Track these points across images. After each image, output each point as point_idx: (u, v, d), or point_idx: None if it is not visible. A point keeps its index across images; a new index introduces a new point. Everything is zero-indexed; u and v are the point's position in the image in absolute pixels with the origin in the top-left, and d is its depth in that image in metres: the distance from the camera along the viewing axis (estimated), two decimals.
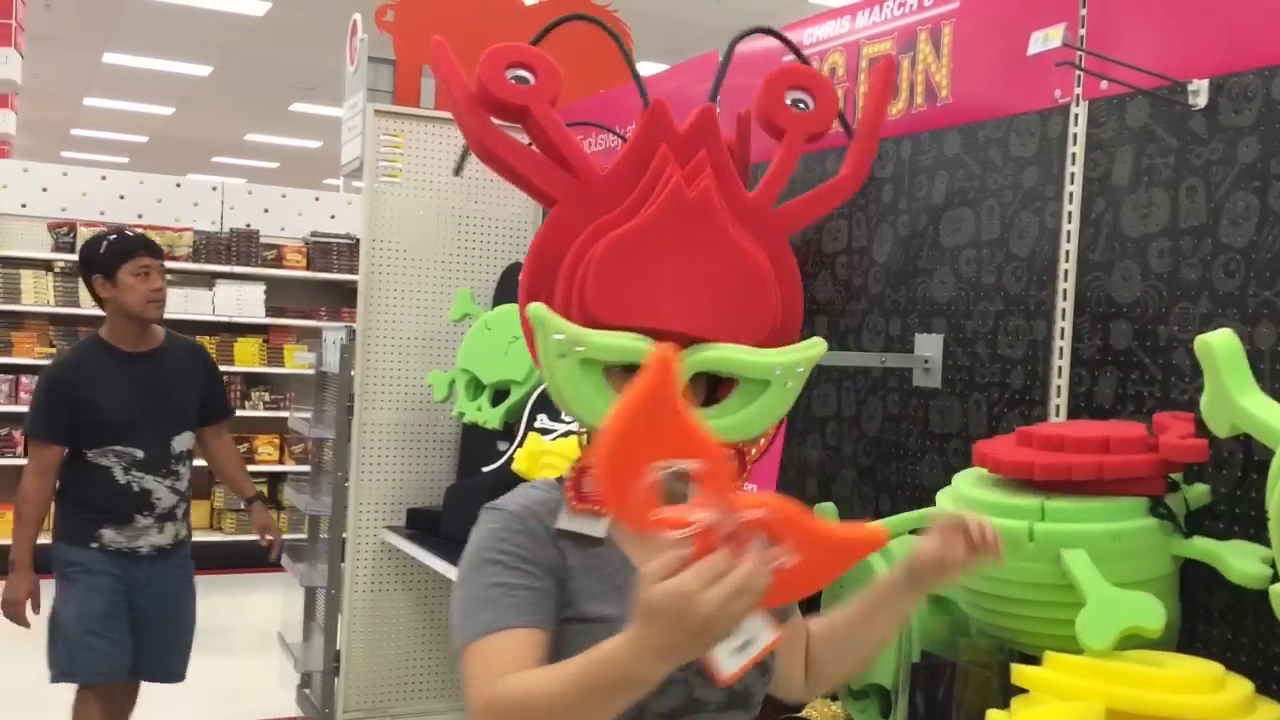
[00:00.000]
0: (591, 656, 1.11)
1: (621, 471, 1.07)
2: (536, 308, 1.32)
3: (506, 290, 4.28)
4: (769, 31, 1.79)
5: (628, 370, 1.31)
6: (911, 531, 2.12)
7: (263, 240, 8.01)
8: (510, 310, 3.97)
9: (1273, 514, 1.26)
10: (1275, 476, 1.25)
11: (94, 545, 3.56)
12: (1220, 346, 1.36)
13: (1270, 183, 1.87)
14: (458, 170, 3.60)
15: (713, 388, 1.42)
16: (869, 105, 1.73)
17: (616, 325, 1.35)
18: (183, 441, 3.69)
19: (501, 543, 1.32)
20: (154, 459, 3.59)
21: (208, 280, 7.86)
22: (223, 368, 7.68)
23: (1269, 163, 1.88)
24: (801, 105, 1.54)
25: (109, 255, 3.58)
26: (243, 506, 4.07)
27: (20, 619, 3.55)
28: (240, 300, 7.84)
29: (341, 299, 7.90)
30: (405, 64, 4.39)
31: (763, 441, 1.55)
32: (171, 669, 3.86)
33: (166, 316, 7.89)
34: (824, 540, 1.13)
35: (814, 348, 1.40)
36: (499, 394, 3.85)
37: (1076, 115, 2.20)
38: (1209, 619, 1.92)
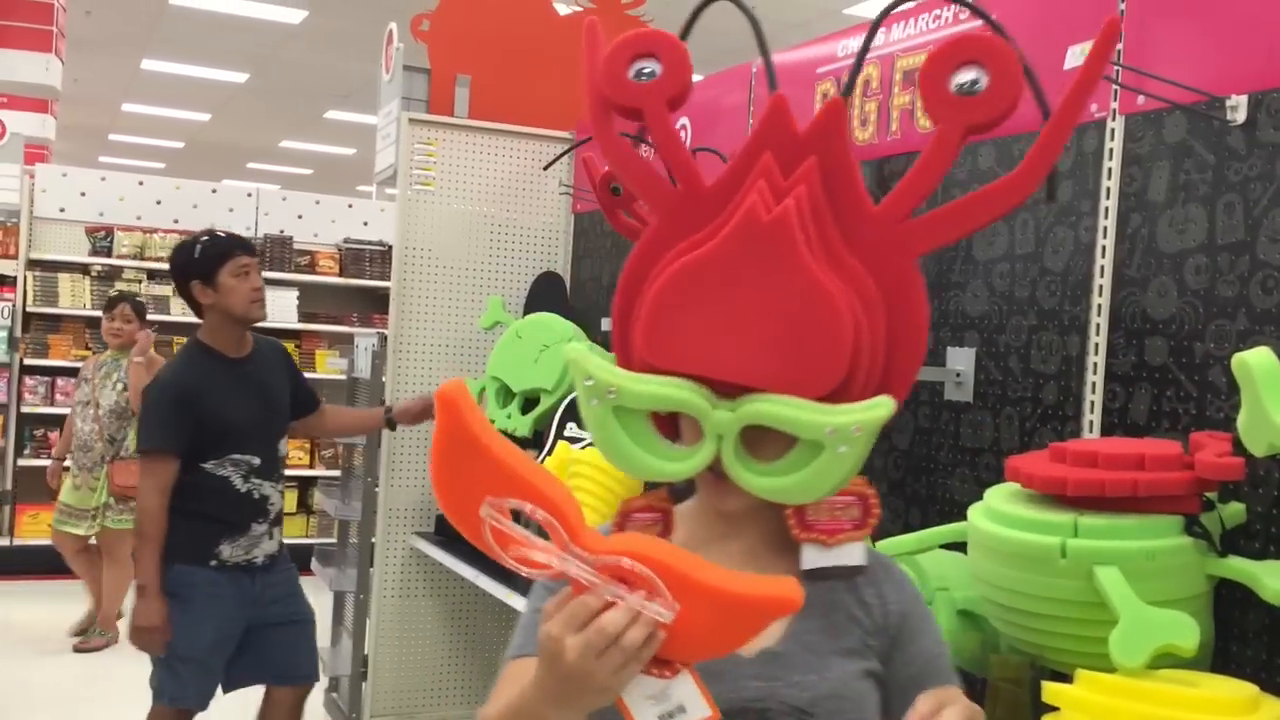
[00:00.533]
0: (518, 688, 1.10)
1: (456, 514, 1.05)
2: (571, 350, 1.19)
3: (538, 298, 4.31)
4: None
5: (695, 419, 1.20)
6: (942, 546, 2.12)
7: (296, 246, 8.07)
8: (541, 319, 3.99)
9: None
10: None
11: (212, 563, 3.38)
12: (1258, 365, 1.35)
13: None
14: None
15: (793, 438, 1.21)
16: (1072, 91, 1.21)
17: (665, 370, 1.19)
18: (284, 444, 3.61)
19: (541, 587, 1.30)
20: (268, 464, 3.48)
21: None
22: None
23: None
24: (968, 88, 1.18)
25: (206, 258, 3.42)
26: (388, 423, 3.82)
27: (155, 646, 3.35)
28: (274, 305, 7.81)
29: (374, 305, 7.95)
30: (440, 73, 4.42)
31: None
32: (313, 668, 3.70)
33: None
34: (713, 596, 1.02)
35: (875, 409, 1.15)
36: (529, 402, 3.87)
37: (1113, 130, 2.19)
38: (1243, 639, 1.90)
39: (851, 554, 1.27)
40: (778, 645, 1.25)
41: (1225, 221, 1.99)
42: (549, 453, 3.47)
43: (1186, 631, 1.67)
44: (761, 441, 1.18)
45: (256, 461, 3.43)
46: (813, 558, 1.26)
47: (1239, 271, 1.97)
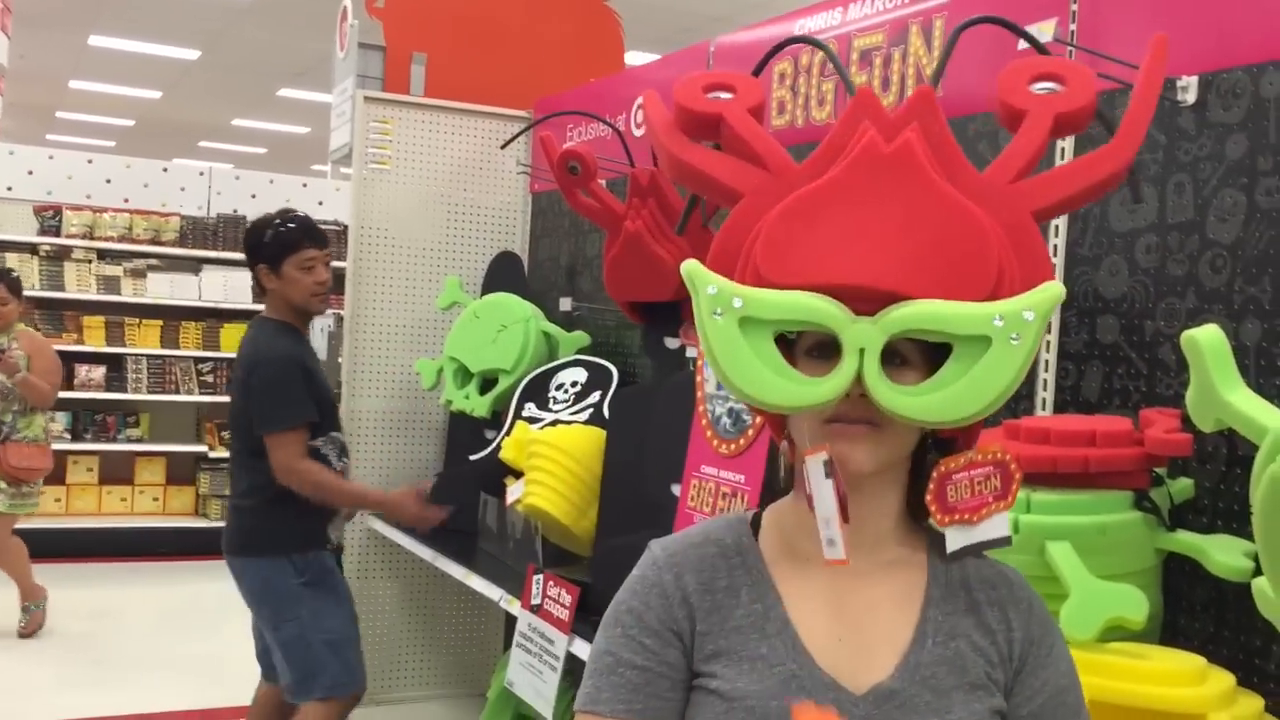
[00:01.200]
0: None
1: None
2: (690, 264, 1.08)
3: (495, 278, 4.28)
4: (1001, 23, 1.42)
5: (812, 349, 1.08)
6: None
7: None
8: (499, 299, 3.97)
9: (1256, 508, 1.27)
10: (1259, 471, 1.27)
11: (327, 547, 3.30)
12: (1207, 342, 1.38)
13: (1258, 180, 1.89)
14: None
15: (933, 369, 1.07)
16: (1148, 65, 1.23)
17: (792, 286, 1.06)
18: None
19: (631, 597, 1.17)
20: (346, 442, 3.44)
21: (194, 266, 7.83)
22: (209, 354, 7.74)
23: (1256, 160, 1.89)
24: (1049, 90, 1.21)
25: (274, 246, 3.32)
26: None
27: (434, 514, 3.39)
28: (227, 286, 7.81)
29: (331, 286, 7.87)
30: (395, 50, 4.38)
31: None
32: None
33: (152, 302, 7.78)
34: None
35: (1047, 290, 1.03)
36: (487, 382, 3.86)
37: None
38: (1191, 612, 1.94)
39: (996, 527, 1.15)
40: (893, 680, 1.10)
41: (1175, 201, 2.02)
42: (507, 433, 3.46)
43: (1136, 605, 1.70)
44: (897, 374, 1.05)
45: (343, 439, 3.40)
46: (957, 539, 1.14)
47: (1189, 251, 1.99)
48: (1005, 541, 1.14)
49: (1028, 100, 1.18)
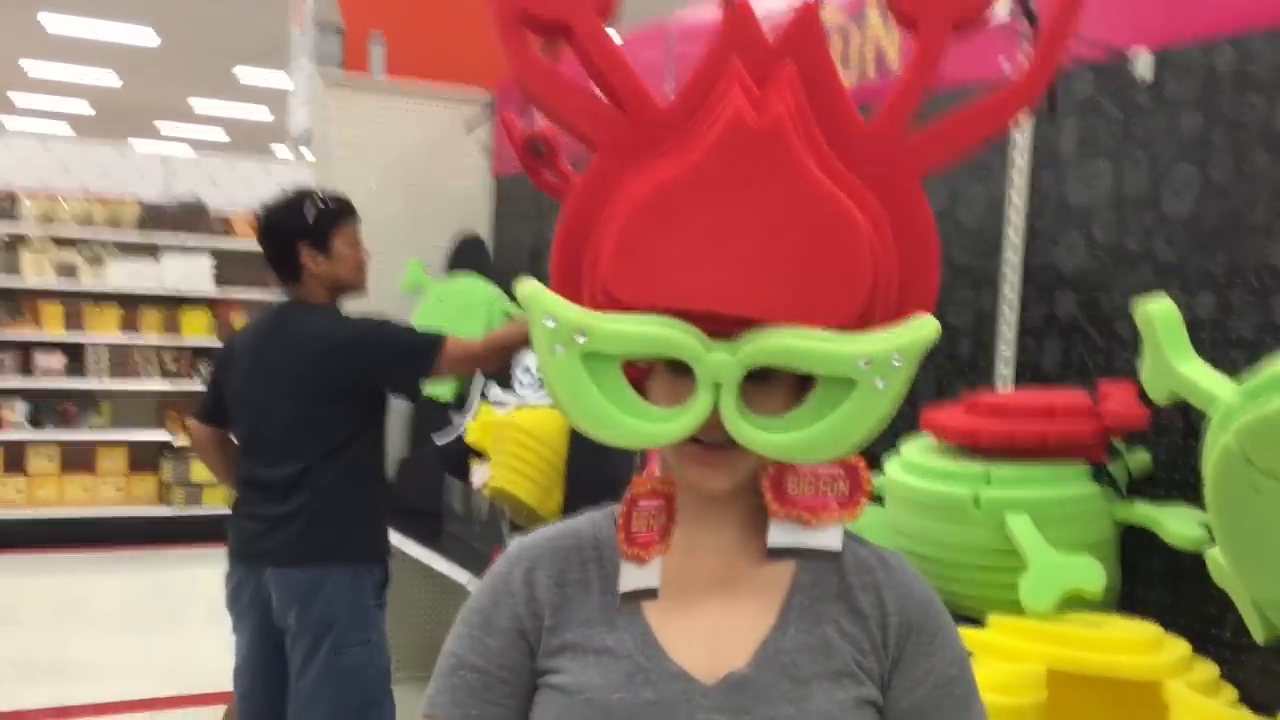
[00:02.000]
0: None
1: None
2: (525, 285, 0.97)
3: (459, 261, 4.27)
4: None
5: (668, 363, 0.98)
6: None
7: (211, 211, 7.90)
8: (462, 282, 3.96)
9: (1207, 479, 1.29)
10: (1210, 442, 1.29)
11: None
12: (1160, 316, 1.39)
13: (1211, 155, 1.91)
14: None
15: (801, 386, 1.00)
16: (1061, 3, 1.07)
17: (642, 306, 0.96)
18: None
19: (481, 595, 1.11)
20: None
21: (154, 252, 7.75)
22: (170, 341, 7.66)
23: (1210, 135, 1.91)
24: None
25: (323, 221, 2.99)
26: None
27: None
28: (188, 272, 7.73)
29: None
30: (354, 30, 4.33)
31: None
32: None
33: (112, 289, 7.67)
34: None
35: (918, 330, 0.95)
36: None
37: None
38: (1148, 582, 1.97)
39: (830, 537, 1.04)
40: (747, 668, 1.03)
41: (1132, 176, 2.04)
42: (472, 416, 3.46)
43: (1093, 576, 1.72)
44: (760, 395, 0.97)
45: None
46: (781, 536, 1.04)
47: (1145, 225, 2.01)
48: (834, 556, 1.04)
49: (918, 5, 1.01)
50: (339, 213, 3.06)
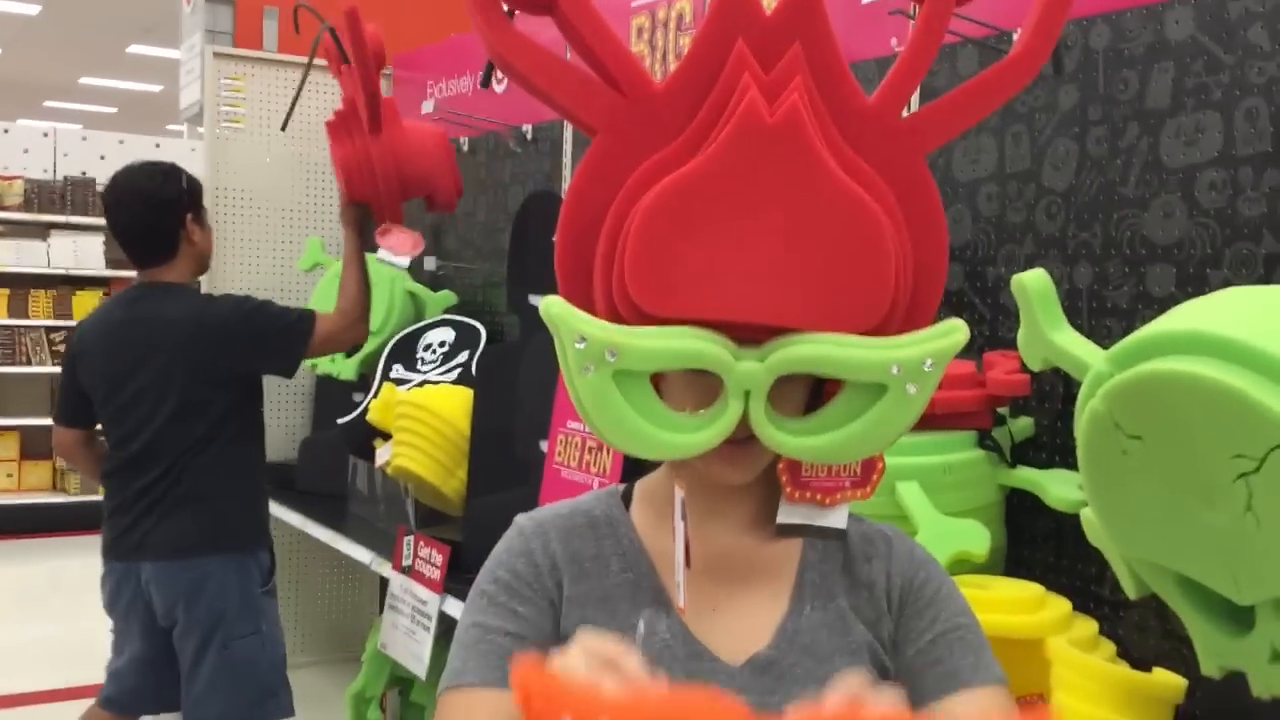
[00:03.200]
0: None
1: None
2: (552, 305, 0.93)
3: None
4: None
5: (690, 371, 0.97)
6: None
7: (100, 189, 7.66)
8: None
9: (1080, 442, 1.34)
10: (1080, 407, 1.34)
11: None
12: (1034, 285, 1.44)
13: (1088, 129, 1.97)
14: (284, 124, 3.25)
15: (817, 388, 1.02)
16: None
17: (668, 316, 0.94)
18: None
19: (498, 567, 1.08)
20: None
21: (41, 231, 7.49)
22: (60, 323, 7.43)
23: (1087, 110, 1.97)
24: None
25: (199, 192, 2.90)
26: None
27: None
28: (77, 252, 7.50)
29: None
30: (245, 4, 4.24)
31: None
32: None
33: None
34: None
35: (949, 334, 0.95)
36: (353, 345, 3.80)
37: None
38: (1033, 543, 2.04)
39: (837, 516, 1.06)
40: (770, 649, 1.03)
41: (1013, 151, 2.10)
42: (374, 395, 3.42)
43: (979, 539, 1.78)
44: (781, 395, 0.97)
45: None
46: (790, 515, 1.06)
47: (1026, 199, 2.08)
48: (840, 534, 1.06)
49: None
50: (199, 185, 2.97)
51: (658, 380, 0.99)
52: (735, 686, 1.00)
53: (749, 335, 0.94)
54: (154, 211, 2.80)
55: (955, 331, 0.94)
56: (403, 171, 2.99)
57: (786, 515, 1.05)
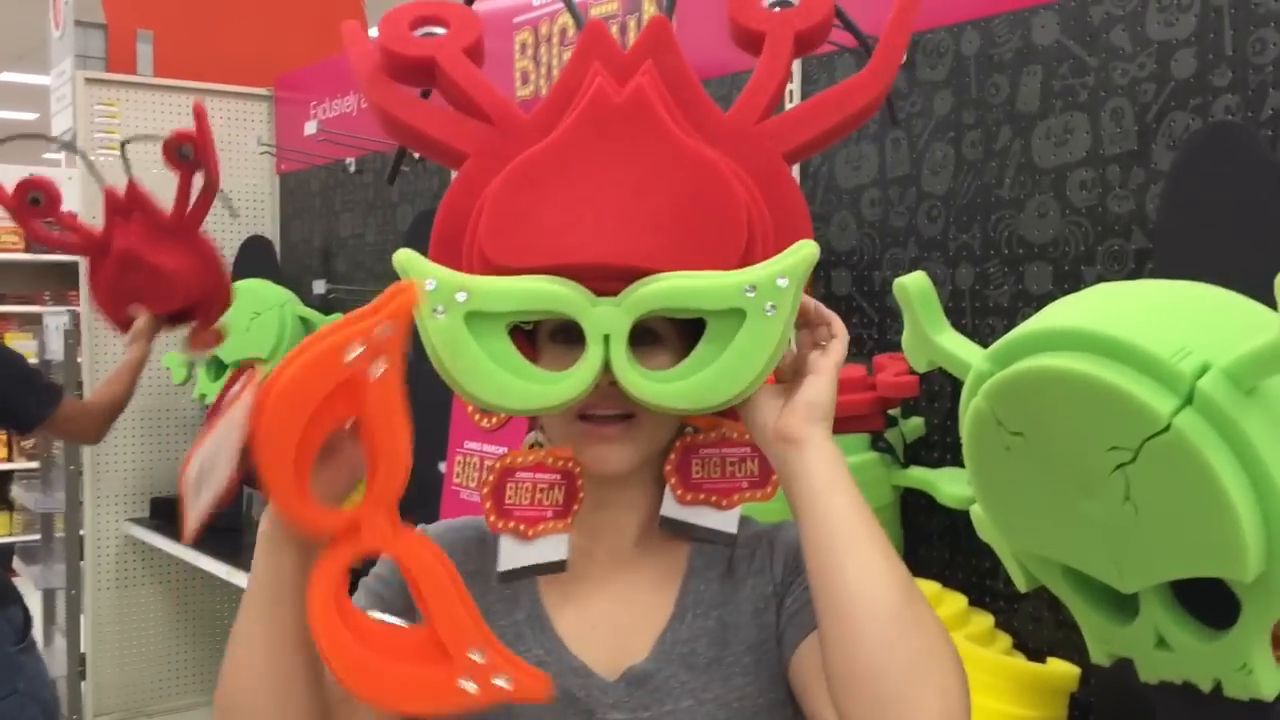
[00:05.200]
0: None
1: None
2: (400, 253, 0.93)
3: (246, 264, 4.11)
4: None
5: (556, 334, 0.98)
6: None
7: None
8: (250, 285, 3.80)
9: (964, 440, 1.36)
10: (964, 406, 1.36)
11: None
12: (915, 288, 1.46)
13: (963, 133, 2.01)
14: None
15: (689, 347, 0.97)
16: None
17: (523, 268, 0.94)
18: None
19: (373, 578, 1.07)
20: None
21: None
22: None
23: (961, 115, 2.02)
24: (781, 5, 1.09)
25: None
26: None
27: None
28: None
29: (66, 282, 7.37)
30: (118, 28, 4.12)
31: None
32: None
33: None
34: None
35: (799, 250, 0.92)
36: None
37: (792, 73, 2.29)
38: (929, 541, 2.07)
39: (726, 519, 1.03)
40: (647, 661, 1.01)
41: (893, 156, 2.13)
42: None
43: None
44: (650, 357, 0.96)
45: None
46: (675, 509, 1.03)
47: (908, 203, 2.11)
48: (730, 540, 1.03)
49: (764, 19, 1.05)
50: None
51: (530, 352, 0.98)
52: (610, 701, 0.99)
53: (609, 286, 0.93)
54: None
55: (804, 247, 0.93)
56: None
57: (671, 510, 1.03)
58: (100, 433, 2.94)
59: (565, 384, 0.92)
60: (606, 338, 0.92)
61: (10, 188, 2.91)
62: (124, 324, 2.87)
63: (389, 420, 0.86)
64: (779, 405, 0.94)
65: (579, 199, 0.95)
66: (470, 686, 0.85)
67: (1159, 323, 1.21)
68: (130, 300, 2.85)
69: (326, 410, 0.85)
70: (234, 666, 0.92)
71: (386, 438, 0.87)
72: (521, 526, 1.01)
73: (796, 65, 2.27)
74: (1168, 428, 1.13)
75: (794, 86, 2.28)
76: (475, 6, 1.23)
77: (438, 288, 0.91)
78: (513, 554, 1.01)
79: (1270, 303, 1.09)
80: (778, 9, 1.07)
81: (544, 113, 1.02)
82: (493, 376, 0.92)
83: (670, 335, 0.98)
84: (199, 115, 2.74)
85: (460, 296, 0.91)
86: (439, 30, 1.06)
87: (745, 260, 0.94)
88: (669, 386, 0.92)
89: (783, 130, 1.03)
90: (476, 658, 0.86)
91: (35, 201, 2.89)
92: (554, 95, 1.03)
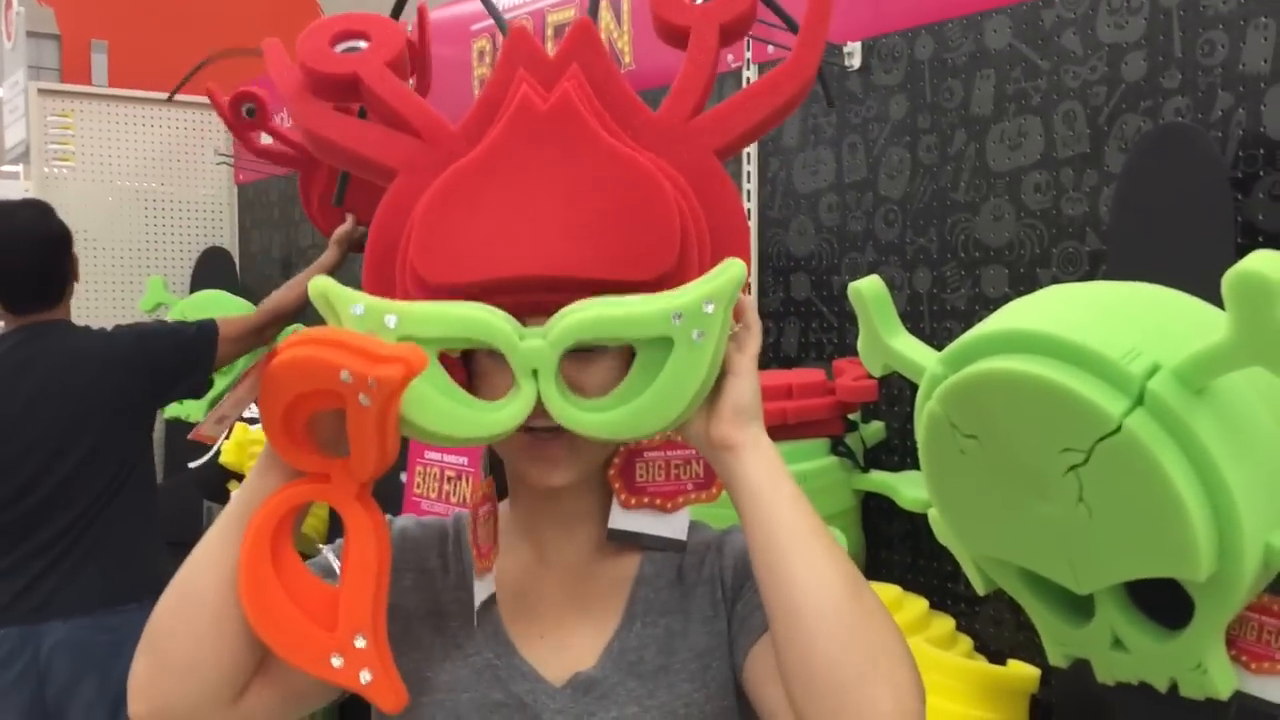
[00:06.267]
0: None
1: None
2: (318, 282, 0.91)
3: (204, 276, 4.08)
4: None
5: (493, 370, 0.95)
6: None
7: None
8: (208, 297, 3.77)
9: (920, 444, 1.36)
10: (919, 409, 1.36)
11: None
12: (869, 292, 1.46)
13: (919, 137, 2.02)
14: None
15: (628, 363, 0.97)
16: None
17: (453, 284, 0.93)
18: None
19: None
20: None
21: None
22: None
23: (916, 118, 2.02)
24: None
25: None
26: None
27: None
28: None
29: None
30: (71, 39, 4.08)
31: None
32: None
33: None
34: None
35: (725, 271, 0.91)
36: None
37: (748, 79, 2.30)
38: (890, 545, 2.07)
39: (676, 526, 1.03)
40: (594, 668, 1.01)
41: (850, 161, 2.14)
42: (227, 436, 3.30)
43: None
44: (586, 375, 0.95)
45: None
46: (623, 520, 1.03)
47: (865, 207, 2.11)
48: (681, 546, 1.04)
49: (688, 13, 1.05)
50: None
51: (468, 366, 0.98)
52: (556, 707, 0.99)
53: (543, 298, 0.92)
54: (43, 251, 2.63)
55: (731, 267, 0.90)
56: None
57: (619, 520, 1.03)
58: (270, 335, 2.87)
59: (502, 414, 0.91)
60: (535, 371, 0.90)
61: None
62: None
63: (374, 436, 0.87)
64: (706, 411, 0.93)
65: (510, 210, 0.95)
66: (338, 663, 0.88)
67: (1109, 324, 1.21)
68: (362, 203, 2.82)
69: (320, 394, 0.87)
70: (190, 565, 0.92)
71: (371, 444, 0.88)
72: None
73: (753, 69, 2.27)
74: (1119, 429, 1.13)
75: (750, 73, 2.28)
76: (433, 14, 1.24)
77: (365, 313, 0.89)
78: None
79: (1220, 303, 1.10)
80: (700, 2, 1.06)
81: (472, 123, 1.01)
82: (430, 401, 0.90)
83: (606, 351, 0.96)
84: (422, 16, 2.59)
85: (390, 320, 0.90)
86: (361, 44, 1.05)
87: (681, 262, 0.94)
88: (601, 417, 0.91)
89: (714, 126, 1.02)
90: (359, 643, 0.89)
91: (250, 113, 2.90)
92: (481, 104, 1.02)
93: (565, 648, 1.03)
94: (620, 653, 1.01)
